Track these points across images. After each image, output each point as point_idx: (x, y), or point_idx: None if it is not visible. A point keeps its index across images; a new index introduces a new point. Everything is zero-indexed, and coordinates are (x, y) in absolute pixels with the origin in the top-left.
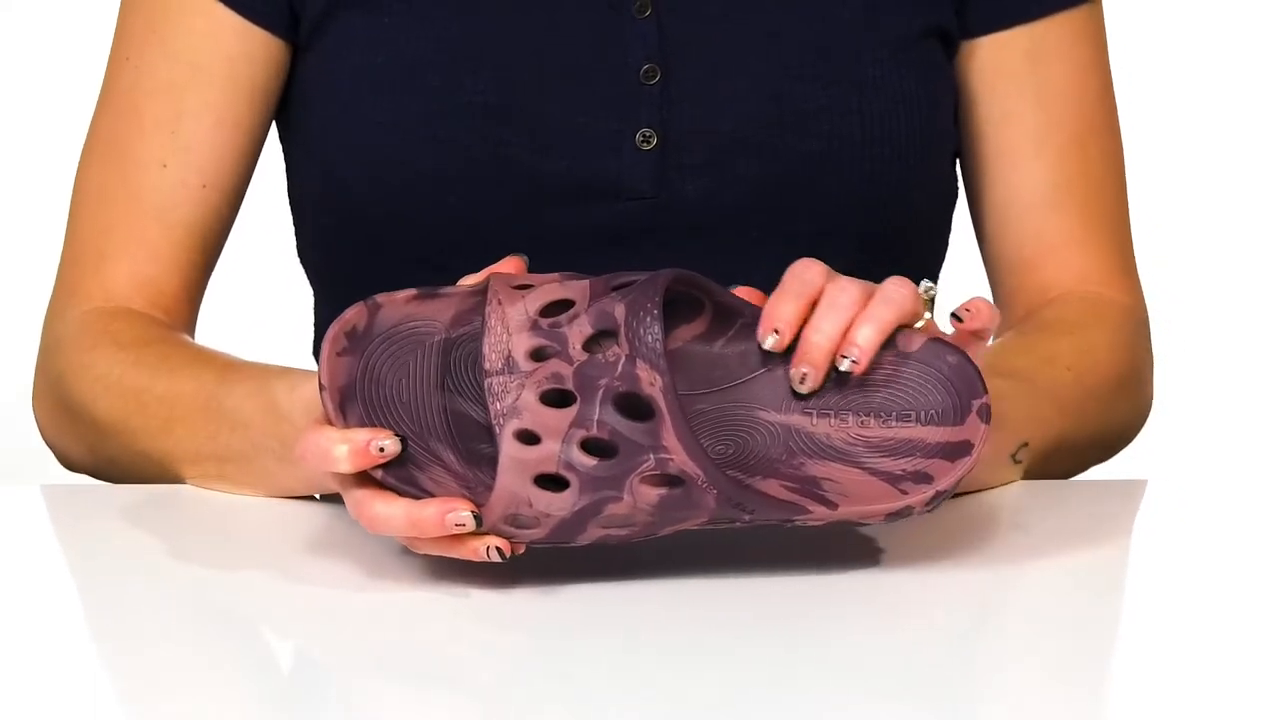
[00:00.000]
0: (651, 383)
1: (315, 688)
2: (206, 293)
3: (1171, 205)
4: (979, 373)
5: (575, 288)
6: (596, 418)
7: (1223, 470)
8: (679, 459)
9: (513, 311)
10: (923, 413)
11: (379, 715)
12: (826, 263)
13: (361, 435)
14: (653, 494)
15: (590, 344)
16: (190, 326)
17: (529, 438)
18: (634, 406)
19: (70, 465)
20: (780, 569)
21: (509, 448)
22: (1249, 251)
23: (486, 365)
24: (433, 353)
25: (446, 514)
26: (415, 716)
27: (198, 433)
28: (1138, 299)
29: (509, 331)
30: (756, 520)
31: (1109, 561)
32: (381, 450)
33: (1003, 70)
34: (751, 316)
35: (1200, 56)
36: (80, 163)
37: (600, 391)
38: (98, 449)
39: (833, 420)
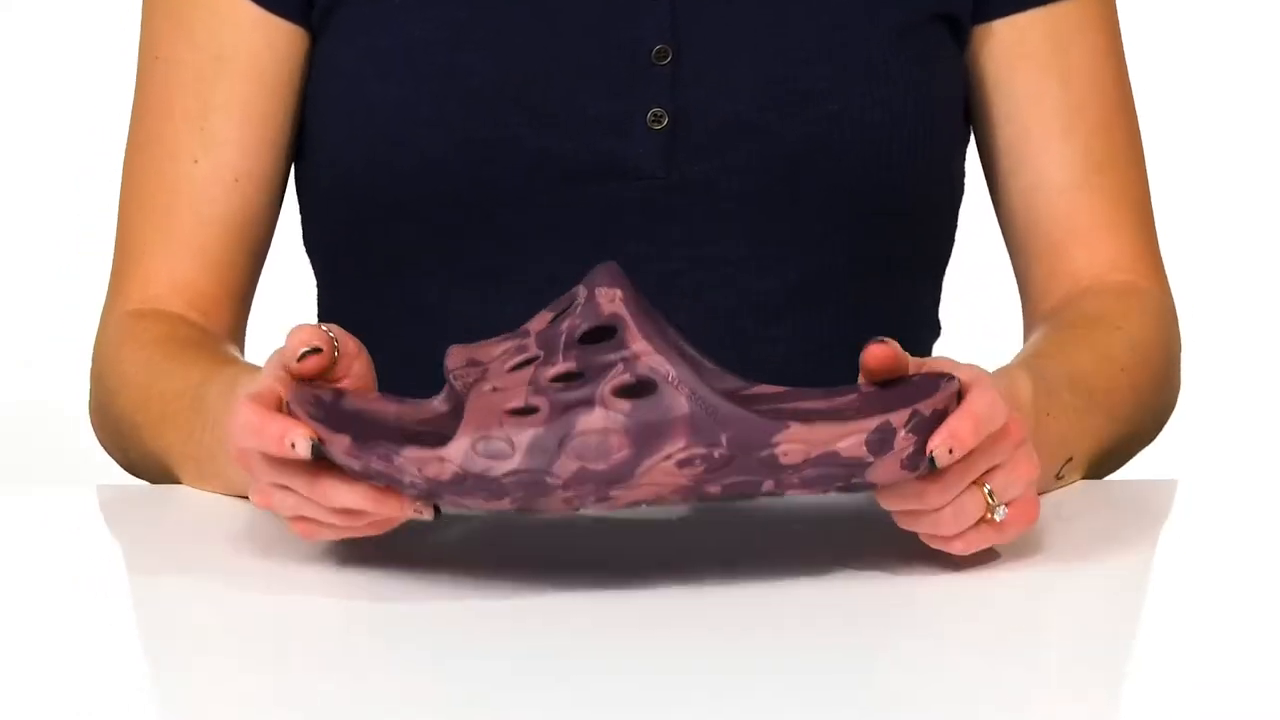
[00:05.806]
0: (611, 299)
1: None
2: None
3: (1203, 198)
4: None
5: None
6: (561, 353)
7: (1254, 469)
8: (646, 357)
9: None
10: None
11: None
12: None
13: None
14: (624, 404)
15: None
16: (233, 328)
17: (496, 391)
18: (600, 335)
19: (120, 464)
20: (785, 571)
21: (477, 396)
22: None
23: (450, 365)
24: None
25: (285, 435)
26: (416, 716)
27: (181, 432)
28: (1166, 285)
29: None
30: (733, 454)
31: (1141, 563)
32: (293, 447)
33: (1023, 53)
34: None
35: (1193, 54)
36: (124, 162)
37: (563, 336)
38: (124, 448)
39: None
